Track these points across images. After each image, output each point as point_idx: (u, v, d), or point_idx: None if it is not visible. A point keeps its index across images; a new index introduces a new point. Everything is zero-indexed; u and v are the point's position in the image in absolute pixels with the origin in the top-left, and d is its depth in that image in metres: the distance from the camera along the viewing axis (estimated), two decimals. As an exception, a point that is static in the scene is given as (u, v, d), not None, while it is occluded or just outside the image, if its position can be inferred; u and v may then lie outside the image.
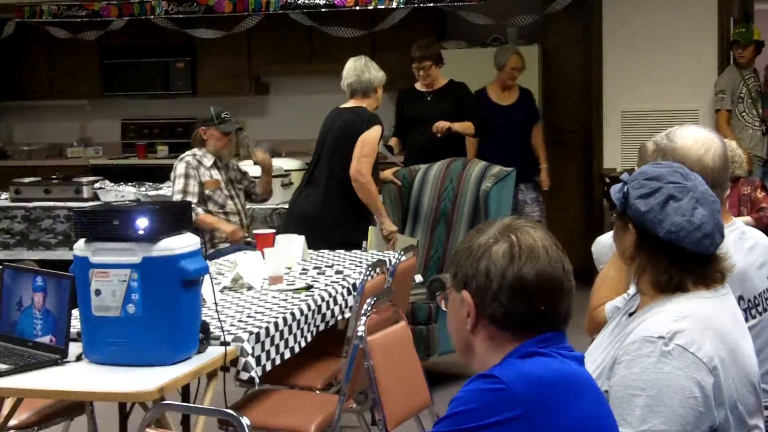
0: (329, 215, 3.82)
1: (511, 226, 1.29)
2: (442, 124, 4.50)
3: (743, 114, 5.31)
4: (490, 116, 4.89)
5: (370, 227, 3.89)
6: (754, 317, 1.86)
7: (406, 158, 4.76)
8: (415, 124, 4.70)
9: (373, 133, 3.77)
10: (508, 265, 1.25)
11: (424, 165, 4.41)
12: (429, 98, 4.78)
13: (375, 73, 3.92)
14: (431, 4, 5.62)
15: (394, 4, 5.60)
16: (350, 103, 3.96)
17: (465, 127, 4.58)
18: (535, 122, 5.37)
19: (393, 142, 4.80)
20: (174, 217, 2.25)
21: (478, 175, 4.23)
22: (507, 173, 4.25)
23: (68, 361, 2.21)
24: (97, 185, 5.09)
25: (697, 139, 1.87)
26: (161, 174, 5.70)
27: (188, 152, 4.04)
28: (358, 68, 3.92)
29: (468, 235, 1.34)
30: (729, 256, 1.58)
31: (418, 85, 4.84)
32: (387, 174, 4.33)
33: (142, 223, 2.15)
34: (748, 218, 3.72)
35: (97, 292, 2.17)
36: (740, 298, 1.76)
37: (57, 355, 2.21)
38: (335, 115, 4.00)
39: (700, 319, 1.48)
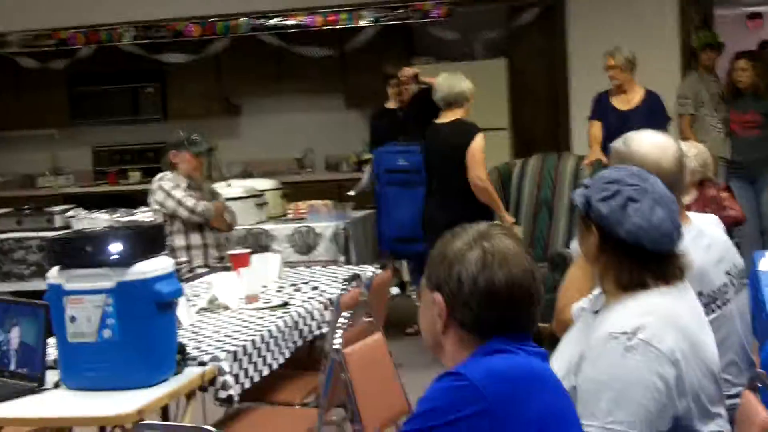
0: (451, 216, 4.17)
1: (486, 233, 1.32)
2: (409, 71, 4.80)
3: (706, 116, 5.43)
4: (608, 121, 4.82)
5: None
6: (713, 311, 1.92)
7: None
8: (390, 141, 4.80)
9: (478, 142, 4.21)
10: (479, 271, 1.28)
11: (520, 160, 4.94)
12: (400, 114, 4.87)
13: (465, 84, 4.26)
14: (398, 22, 5.69)
15: (363, 23, 5.66)
16: (447, 117, 4.28)
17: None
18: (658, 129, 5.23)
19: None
20: (147, 240, 2.26)
21: (573, 166, 4.78)
22: (600, 164, 4.69)
23: (46, 389, 2.20)
24: (69, 214, 5.05)
25: (652, 143, 1.93)
26: (134, 200, 5.69)
27: (161, 175, 4.02)
28: (448, 83, 4.25)
29: (443, 239, 1.37)
30: (687, 253, 1.63)
31: (389, 104, 4.93)
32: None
33: (115, 248, 2.16)
34: (713, 217, 3.80)
35: (72, 319, 2.17)
36: (699, 294, 1.81)
37: (34, 383, 2.21)
38: (435, 132, 4.33)
39: (662, 314, 1.52)
